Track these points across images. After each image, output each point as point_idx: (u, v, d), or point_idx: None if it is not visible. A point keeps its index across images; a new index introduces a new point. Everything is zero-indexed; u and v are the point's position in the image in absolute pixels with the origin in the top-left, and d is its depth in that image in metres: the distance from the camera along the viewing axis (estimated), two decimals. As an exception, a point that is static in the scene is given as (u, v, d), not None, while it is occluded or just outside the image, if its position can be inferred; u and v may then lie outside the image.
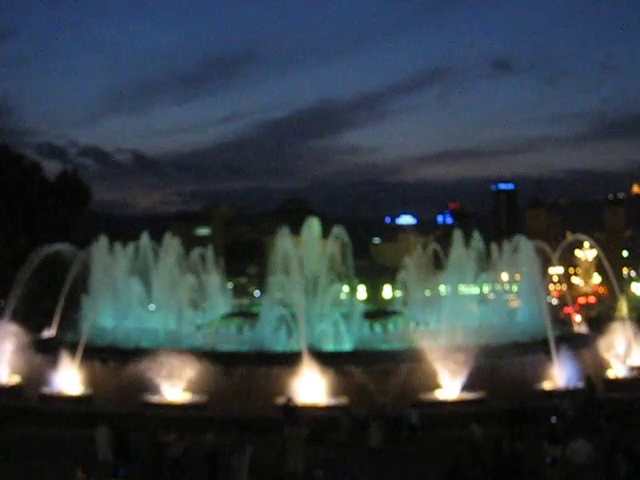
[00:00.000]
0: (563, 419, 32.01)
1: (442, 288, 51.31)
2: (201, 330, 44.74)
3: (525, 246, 50.25)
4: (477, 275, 49.57)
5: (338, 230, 52.21)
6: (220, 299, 55.50)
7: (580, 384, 37.75)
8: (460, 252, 50.45)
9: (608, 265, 67.24)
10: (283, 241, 45.31)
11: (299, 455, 27.04)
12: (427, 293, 55.29)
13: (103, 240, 48.98)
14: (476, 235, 51.24)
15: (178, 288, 47.03)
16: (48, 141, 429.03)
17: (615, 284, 70.79)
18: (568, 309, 67.23)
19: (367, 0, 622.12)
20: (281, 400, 34.47)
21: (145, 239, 51.22)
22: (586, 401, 34.90)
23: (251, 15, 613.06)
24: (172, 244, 51.59)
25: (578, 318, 56.73)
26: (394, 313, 49.28)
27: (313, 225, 55.60)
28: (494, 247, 51.72)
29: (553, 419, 31.18)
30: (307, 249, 52.59)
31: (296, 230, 53.20)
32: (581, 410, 33.64)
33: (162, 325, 44.65)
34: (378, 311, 52.88)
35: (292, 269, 43.79)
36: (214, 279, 55.74)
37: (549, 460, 23.83)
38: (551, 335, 40.14)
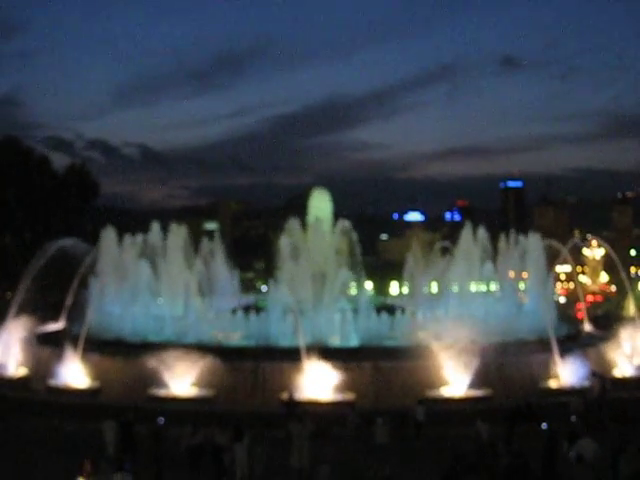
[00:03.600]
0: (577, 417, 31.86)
1: (449, 285, 51.15)
2: (207, 320, 44.59)
3: (533, 244, 50.22)
4: (484, 272, 49.47)
5: (345, 223, 52.42)
6: (228, 293, 55.45)
7: (587, 382, 37.71)
8: (468, 249, 50.42)
9: (618, 262, 67.05)
10: (291, 234, 45.51)
11: (304, 450, 27.05)
12: (434, 289, 55.13)
13: (111, 229, 49.32)
14: (484, 232, 51.27)
15: (186, 277, 47.09)
16: (55, 134, 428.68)
17: (627, 282, 70.45)
18: (580, 305, 67.01)
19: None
20: (284, 396, 34.54)
21: (155, 227, 51.49)
22: (596, 399, 34.88)
23: (260, 10, 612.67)
24: (179, 232, 51.83)
25: (585, 316, 56.57)
26: (401, 309, 49.17)
27: (322, 196, 56.19)
28: (502, 244, 51.69)
29: (573, 418, 31.07)
30: (315, 225, 53.15)
31: (304, 225, 53.45)
32: (590, 408, 33.57)
33: (169, 313, 44.72)
34: (385, 307, 52.79)
35: (299, 262, 44.00)
36: (222, 273, 55.71)
37: (575, 458, 23.65)
38: (552, 333, 40.08)
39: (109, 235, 49.29)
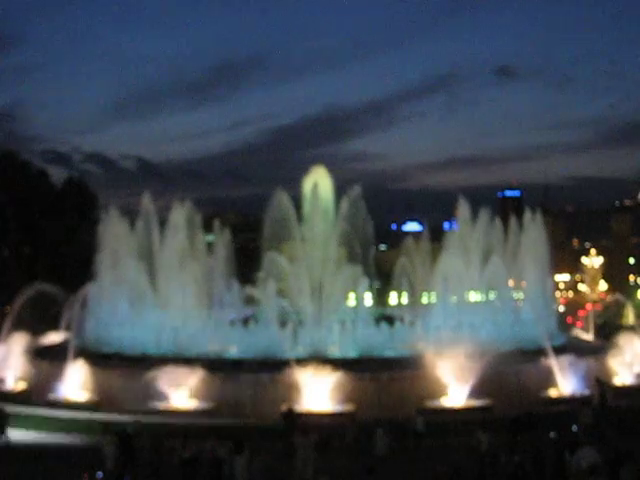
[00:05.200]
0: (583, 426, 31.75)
1: (448, 294, 51.11)
2: (206, 332, 44.48)
3: (531, 253, 50.22)
4: (483, 282, 49.45)
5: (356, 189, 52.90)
6: (228, 305, 55.27)
7: (587, 391, 37.64)
8: (466, 258, 50.40)
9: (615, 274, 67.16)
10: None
11: (308, 462, 26.93)
12: (433, 299, 55.06)
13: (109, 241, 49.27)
14: (482, 242, 51.28)
15: (184, 288, 47.05)
16: (53, 148, 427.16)
17: (631, 290, 70.64)
18: (583, 312, 67.22)
19: (373, 8, 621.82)
20: (283, 408, 34.37)
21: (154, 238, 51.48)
22: (598, 407, 34.80)
23: (257, 22, 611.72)
24: (178, 244, 51.77)
25: (586, 325, 56.63)
26: (400, 319, 49.11)
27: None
28: (500, 253, 51.67)
29: (574, 428, 30.95)
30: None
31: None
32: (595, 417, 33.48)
33: (168, 324, 44.64)
34: (384, 317, 52.67)
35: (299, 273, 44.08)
36: (221, 285, 55.56)
37: (577, 467, 23.52)
38: (551, 342, 40.08)
39: (108, 246, 49.26)
